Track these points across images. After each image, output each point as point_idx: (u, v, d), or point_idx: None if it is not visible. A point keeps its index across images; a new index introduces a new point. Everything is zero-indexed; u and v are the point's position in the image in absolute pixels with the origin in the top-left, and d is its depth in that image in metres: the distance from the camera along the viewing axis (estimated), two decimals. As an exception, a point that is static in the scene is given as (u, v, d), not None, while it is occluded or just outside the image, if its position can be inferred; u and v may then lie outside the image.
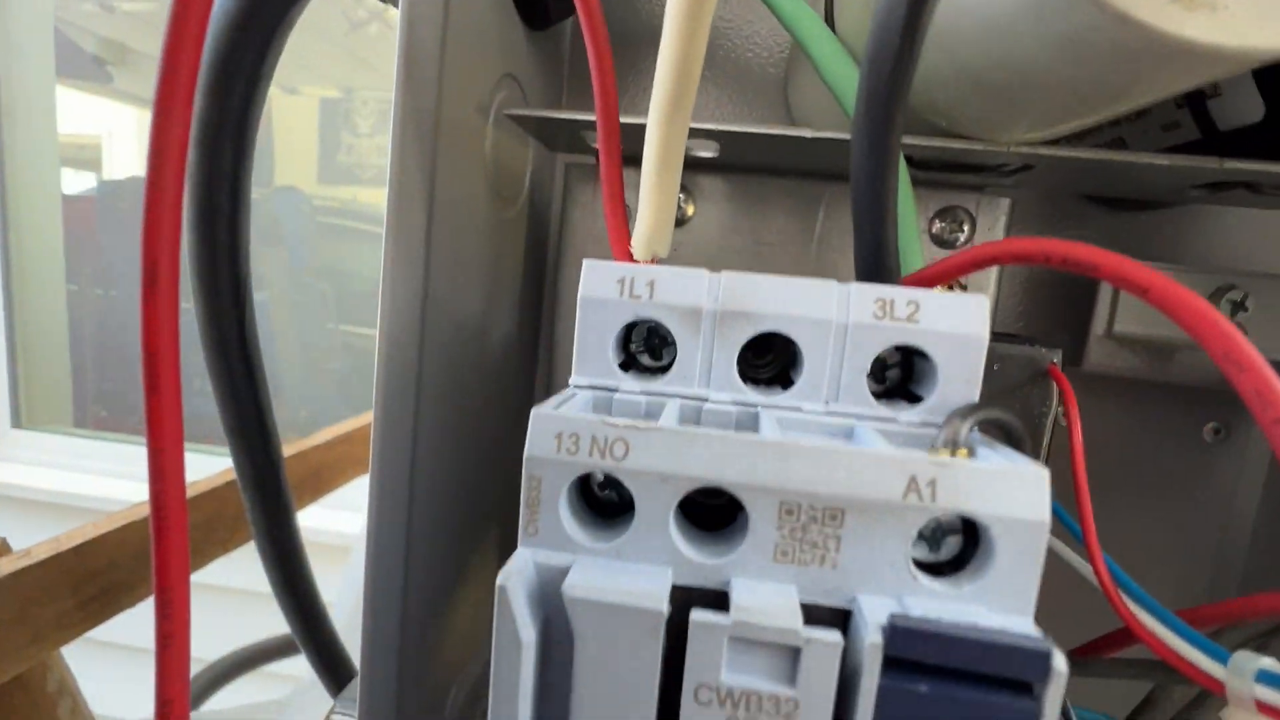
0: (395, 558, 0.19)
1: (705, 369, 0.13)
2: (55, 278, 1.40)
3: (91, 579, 0.45)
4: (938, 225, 0.26)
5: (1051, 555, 0.21)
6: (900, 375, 0.15)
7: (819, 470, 0.10)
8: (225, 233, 0.28)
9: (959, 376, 0.13)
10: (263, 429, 0.30)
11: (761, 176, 0.26)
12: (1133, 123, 0.23)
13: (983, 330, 0.13)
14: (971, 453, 0.11)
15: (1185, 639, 0.16)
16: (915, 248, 0.17)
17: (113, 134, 1.49)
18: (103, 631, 0.44)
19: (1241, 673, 0.14)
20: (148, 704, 0.14)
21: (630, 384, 0.13)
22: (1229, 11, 0.12)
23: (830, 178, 0.26)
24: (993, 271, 0.25)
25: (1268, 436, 0.12)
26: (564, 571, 0.10)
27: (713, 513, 0.12)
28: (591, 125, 0.21)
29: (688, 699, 0.10)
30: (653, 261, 0.16)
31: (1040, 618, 0.23)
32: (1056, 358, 0.21)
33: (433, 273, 0.20)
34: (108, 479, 1.26)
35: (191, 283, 0.29)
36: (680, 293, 0.13)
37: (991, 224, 0.25)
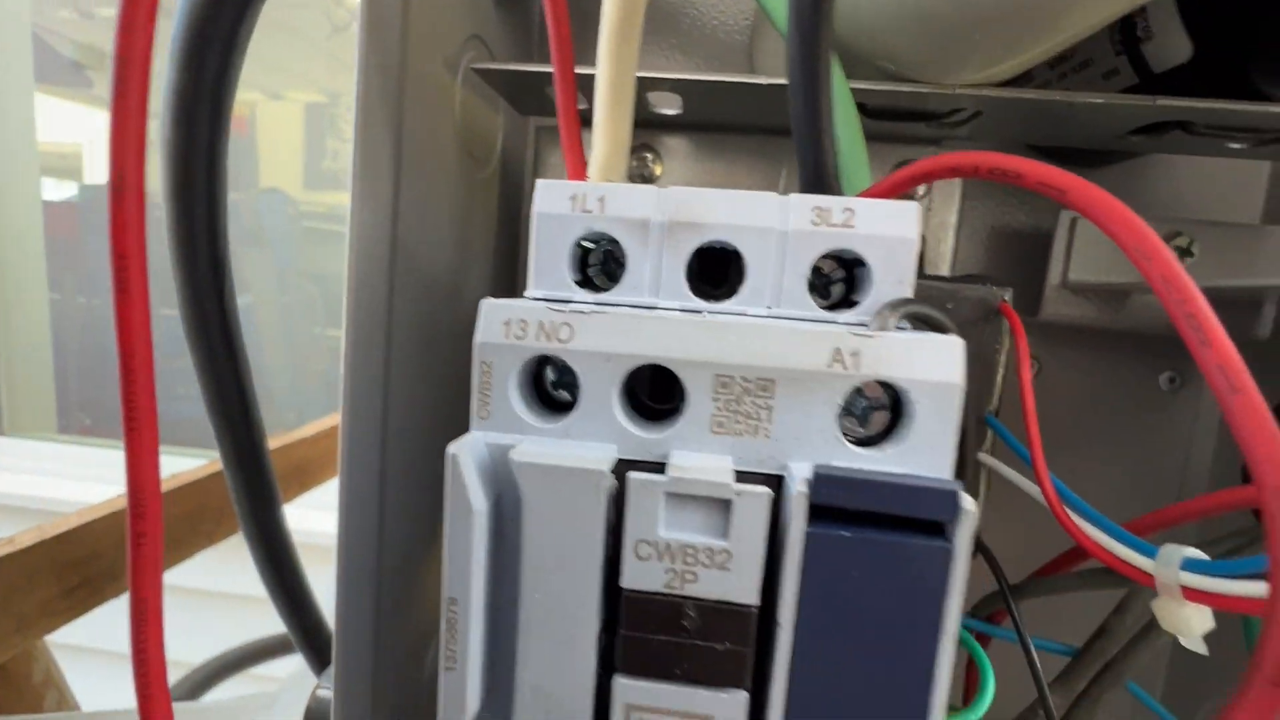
0: (368, 520, 0.20)
1: (655, 279, 0.14)
2: (38, 285, 1.39)
3: (75, 567, 0.45)
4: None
5: (1008, 485, 0.22)
6: (844, 290, 0.15)
7: (750, 344, 0.11)
8: (203, 206, 0.29)
9: (892, 277, 0.13)
10: (244, 406, 0.30)
11: (727, 135, 0.27)
12: (1078, 73, 0.24)
13: (913, 232, 0.13)
14: (899, 338, 0.12)
15: (1121, 541, 0.16)
16: (863, 172, 0.18)
17: (93, 140, 1.49)
18: (88, 636, 0.44)
19: (1168, 562, 0.15)
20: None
21: (584, 295, 0.14)
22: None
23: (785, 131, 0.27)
24: (950, 225, 0.26)
25: (1172, 318, 0.12)
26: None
27: (658, 415, 0.13)
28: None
29: (628, 555, 0.10)
30: (609, 191, 0.16)
31: (1004, 547, 0.24)
32: (1007, 295, 0.22)
33: (401, 220, 0.20)
34: (93, 484, 1.25)
35: (171, 255, 0.29)
36: (629, 206, 0.14)
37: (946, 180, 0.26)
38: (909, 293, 0.14)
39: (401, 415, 0.21)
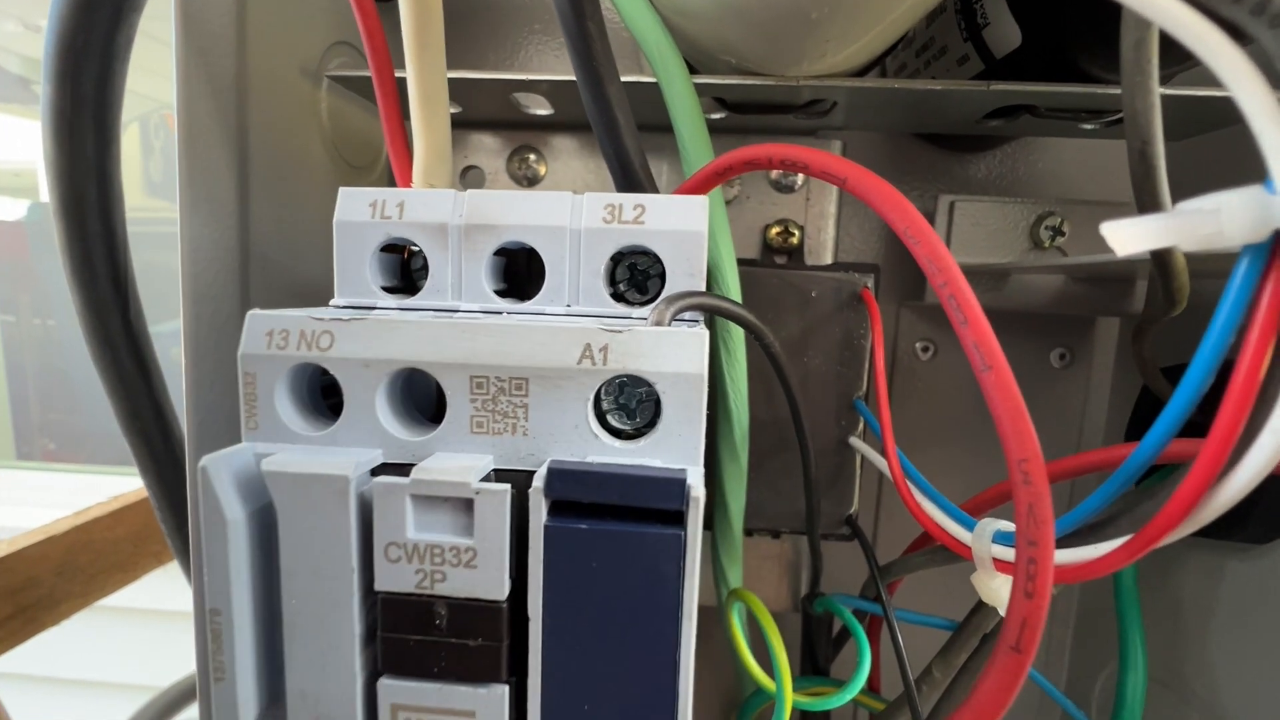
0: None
1: (456, 282, 0.14)
2: (-12, 308, 1.36)
3: (9, 597, 0.44)
4: (775, 171, 0.27)
5: (868, 466, 0.22)
6: (660, 286, 0.16)
7: (502, 344, 0.11)
8: (97, 222, 0.28)
9: (682, 271, 0.14)
10: (161, 423, 0.29)
11: (606, 133, 0.27)
12: (938, 60, 0.24)
13: (700, 225, 0.14)
14: (672, 331, 0.12)
15: (950, 516, 0.17)
16: (704, 152, 0.18)
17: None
18: (27, 664, 0.43)
19: (982, 535, 0.15)
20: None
21: (388, 301, 0.14)
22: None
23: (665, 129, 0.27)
24: (830, 215, 0.27)
25: (938, 296, 0.13)
26: (281, 459, 0.11)
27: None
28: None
29: (379, 558, 0.11)
30: (433, 195, 0.16)
31: (886, 536, 0.24)
32: (869, 282, 0.23)
33: (254, 232, 0.20)
34: (60, 511, 1.22)
35: (66, 276, 0.29)
36: (427, 211, 0.14)
37: (826, 167, 0.27)
38: (700, 284, 0.14)
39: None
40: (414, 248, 0.15)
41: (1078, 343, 0.31)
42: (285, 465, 0.11)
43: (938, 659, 0.23)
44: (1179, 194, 0.12)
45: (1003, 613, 0.16)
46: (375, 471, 0.11)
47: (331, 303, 0.14)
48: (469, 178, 0.28)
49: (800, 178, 0.27)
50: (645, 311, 0.14)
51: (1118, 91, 0.20)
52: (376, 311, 0.14)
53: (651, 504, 0.10)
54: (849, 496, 0.23)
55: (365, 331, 0.11)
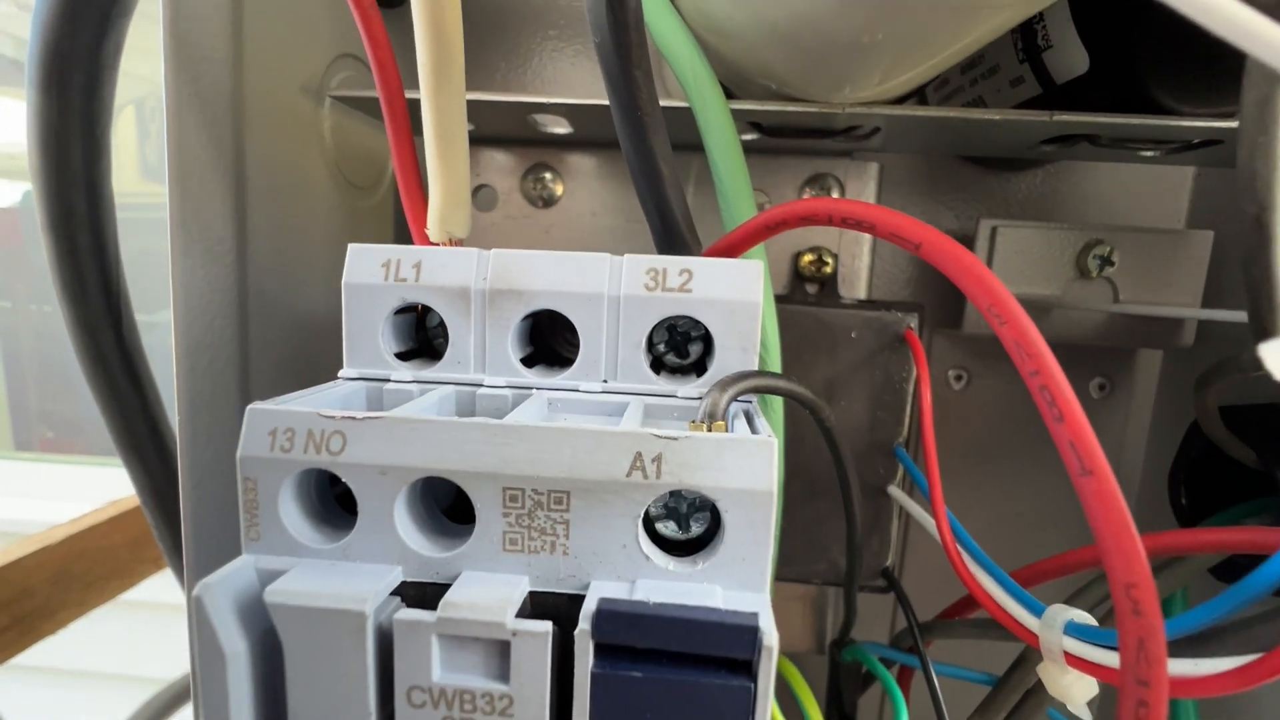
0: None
1: (479, 352, 0.13)
2: (-17, 294, 1.34)
3: (4, 608, 0.44)
4: (808, 193, 0.25)
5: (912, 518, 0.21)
6: (704, 349, 0.14)
7: (540, 452, 0.10)
8: (86, 236, 0.27)
9: (734, 344, 0.12)
10: (158, 443, 0.28)
11: (628, 152, 0.26)
12: (987, 79, 0.23)
13: (755, 295, 0.12)
14: (729, 427, 0.11)
15: (1009, 594, 0.16)
16: (747, 204, 0.17)
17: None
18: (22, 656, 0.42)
19: (1052, 625, 0.14)
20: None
21: (404, 373, 0.13)
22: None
23: (697, 148, 0.25)
24: (865, 240, 0.25)
25: (1028, 388, 0.11)
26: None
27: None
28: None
29: (401, 702, 0.09)
30: (450, 243, 0.15)
31: (920, 585, 0.23)
32: (912, 322, 0.21)
33: (253, 268, 0.19)
34: (63, 503, 1.21)
35: (56, 292, 0.27)
36: (447, 273, 0.12)
37: (861, 189, 0.25)
38: (753, 359, 0.12)
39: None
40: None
41: (1117, 373, 0.29)
42: (292, 596, 0.09)
43: (977, 715, 0.22)
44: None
45: (1073, 710, 0.15)
46: (396, 591, 0.10)
47: (340, 374, 0.13)
48: (480, 198, 0.26)
49: (835, 196, 0.25)
50: (692, 388, 0.13)
51: (1193, 124, 0.18)
52: (390, 385, 0.13)
53: (717, 652, 0.09)
54: (885, 549, 0.22)
55: (382, 433, 0.10)
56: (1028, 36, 0.20)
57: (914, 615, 0.21)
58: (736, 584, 0.10)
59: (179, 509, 0.30)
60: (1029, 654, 0.22)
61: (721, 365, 0.12)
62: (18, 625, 0.44)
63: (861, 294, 0.26)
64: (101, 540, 0.51)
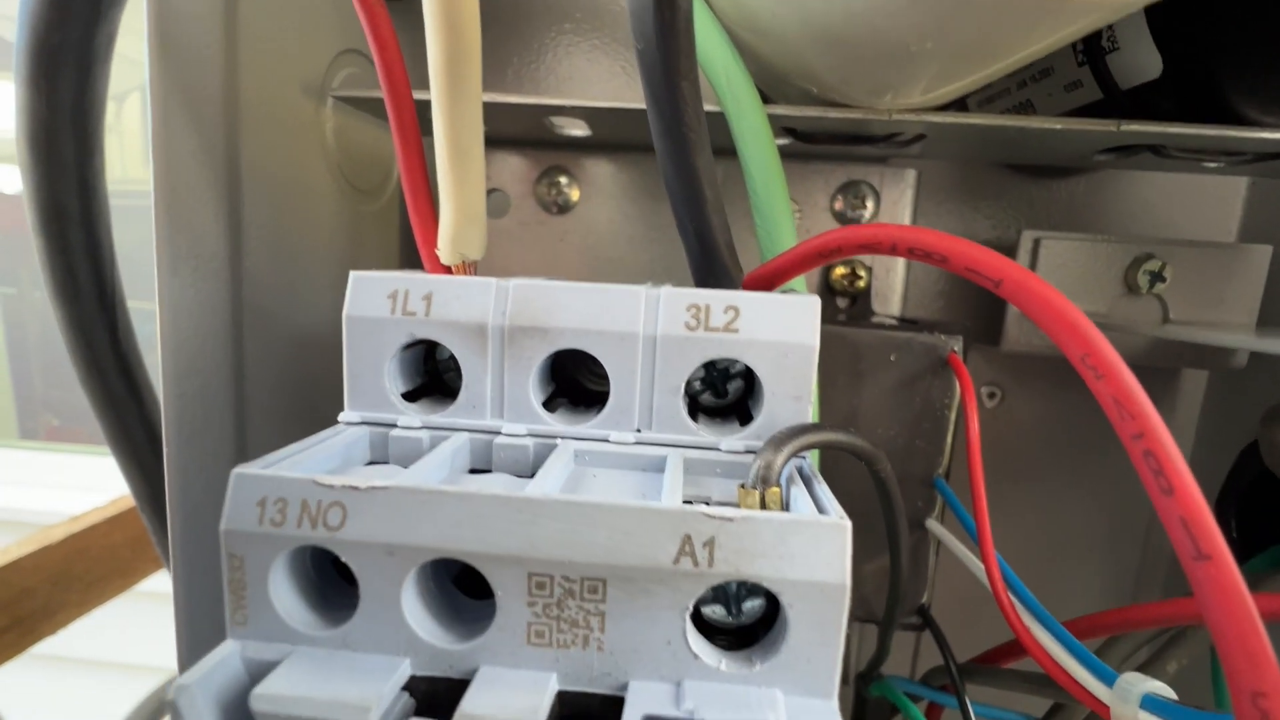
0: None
1: (497, 396, 0.11)
2: (-12, 281, 1.33)
3: (4, 609, 0.43)
4: (840, 202, 0.24)
5: (951, 554, 0.19)
6: (743, 387, 0.13)
7: (573, 532, 0.08)
8: (79, 234, 0.25)
9: (787, 392, 0.11)
10: (156, 450, 0.27)
11: (647, 153, 0.24)
12: (1037, 82, 0.21)
13: (810, 337, 0.11)
14: (784, 493, 0.10)
15: (1074, 655, 0.14)
16: (786, 224, 0.15)
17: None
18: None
19: (1127, 697, 0.13)
20: None
21: (411, 417, 0.11)
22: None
23: (721, 152, 0.24)
24: (900, 250, 0.24)
25: (1128, 451, 0.10)
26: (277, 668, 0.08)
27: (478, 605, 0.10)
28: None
29: (409, 828, 0.08)
30: (464, 266, 0.14)
31: (946, 616, 0.22)
32: (957, 345, 0.20)
33: (248, 283, 0.17)
34: (70, 492, 1.21)
35: (48, 293, 0.26)
36: (462, 307, 0.11)
37: (897, 198, 0.24)
38: (807, 410, 0.11)
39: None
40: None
41: (1161, 393, 0.28)
42: (283, 703, 0.08)
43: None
44: None
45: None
46: (405, 687, 0.09)
47: (341, 417, 0.12)
48: (491, 203, 0.24)
49: (869, 209, 0.24)
50: (737, 440, 0.11)
51: (1275, 136, 0.17)
52: (397, 432, 0.11)
53: (784, 786, 0.07)
54: (922, 586, 0.21)
55: (388, 507, 0.08)
56: (1091, 39, 0.18)
57: (953, 658, 0.19)
58: (800, 689, 0.08)
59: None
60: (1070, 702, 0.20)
61: (771, 416, 0.11)
62: (18, 626, 0.44)
63: (895, 309, 0.24)
64: (102, 540, 0.50)
